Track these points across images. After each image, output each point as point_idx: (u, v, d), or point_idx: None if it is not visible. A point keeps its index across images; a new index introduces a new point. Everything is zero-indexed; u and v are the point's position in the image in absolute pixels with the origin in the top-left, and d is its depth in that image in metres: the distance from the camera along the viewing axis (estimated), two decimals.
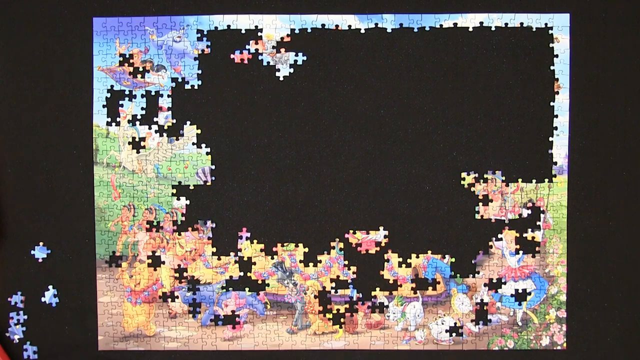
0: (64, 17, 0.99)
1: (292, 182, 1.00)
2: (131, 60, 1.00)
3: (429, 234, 1.01)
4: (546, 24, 0.99)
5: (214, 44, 1.00)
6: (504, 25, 0.99)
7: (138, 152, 1.00)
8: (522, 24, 0.99)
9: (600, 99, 0.99)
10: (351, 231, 1.00)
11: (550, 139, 1.00)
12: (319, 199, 1.00)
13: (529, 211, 1.00)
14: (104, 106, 1.00)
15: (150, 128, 1.00)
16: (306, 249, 1.01)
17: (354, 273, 1.01)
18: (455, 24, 0.99)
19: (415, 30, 0.99)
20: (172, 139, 1.00)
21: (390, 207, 1.00)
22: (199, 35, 1.00)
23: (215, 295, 1.01)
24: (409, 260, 1.01)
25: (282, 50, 1.00)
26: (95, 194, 1.00)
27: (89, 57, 1.00)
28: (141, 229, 1.01)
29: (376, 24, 0.99)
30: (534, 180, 1.00)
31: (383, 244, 1.00)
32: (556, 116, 1.00)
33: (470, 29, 0.99)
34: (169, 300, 1.01)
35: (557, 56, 0.99)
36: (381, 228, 1.00)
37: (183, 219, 1.00)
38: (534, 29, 0.99)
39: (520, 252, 1.01)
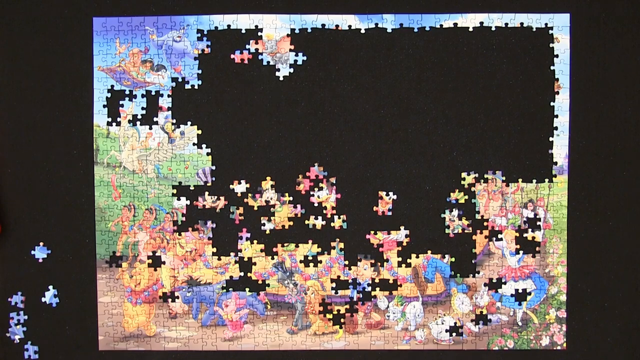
0: (64, 17, 0.99)
1: (292, 182, 1.00)
2: (131, 60, 1.00)
3: (429, 234, 1.01)
4: (546, 24, 0.99)
5: (214, 43, 1.00)
6: (504, 25, 0.99)
7: (139, 152, 1.00)
8: (522, 24, 0.99)
9: (600, 99, 0.99)
10: (372, 231, 1.00)
11: (551, 139, 1.00)
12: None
13: (529, 211, 1.00)
14: (104, 106, 1.00)
15: (151, 128, 1.00)
16: (306, 249, 1.01)
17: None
18: (455, 24, 0.99)
19: (415, 30, 0.99)
20: (173, 139, 1.00)
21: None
22: (199, 35, 1.00)
23: (216, 296, 1.01)
24: (408, 260, 1.01)
25: (282, 50, 1.00)
26: (96, 194, 1.00)
27: (89, 57, 1.00)
28: (141, 229, 1.01)
29: (376, 24, 0.99)
30: (534, 180, 1.00)
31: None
32: (556, 116, 1.00)
33: (470, 29, 0.99)
34: (169, 300, 1.01)
35: (557, 56, 0.99)
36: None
37: (183, 219, 1.00)
38: (534, 29, 0.99)
39: (520, 252, 1.01)
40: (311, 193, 1.00)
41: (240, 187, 1.00)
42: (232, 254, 1.01)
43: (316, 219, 1.00)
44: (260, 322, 1.02)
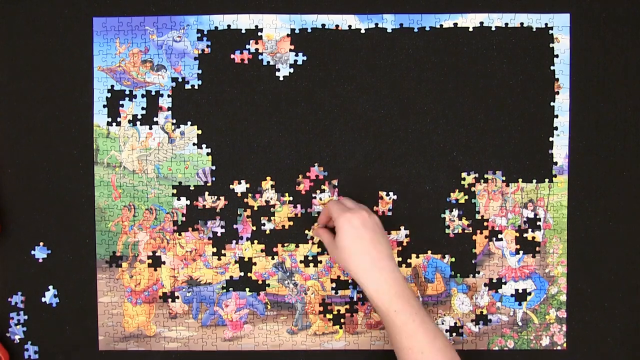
0: (64, 17, 0.99)
1: (292, 182, 1.00)
2: (131, 60, 1.00)
3: (429, 234, 1.01)
4: (546, 24, 0.99)
5: (214, 44, 1.00)
6: (504, 25, 0.99)
7: (139, 152, 1.00)
8: (522, 24, 0.99)
9: (600, 99, 1.00)
10: None
11: (551, 139, 1.00)
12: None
13: (529, 211, 1.00)
14: (104, 106, 1.00)
15: (151, 128, 1.00)
16: (306, 250, 1.01)
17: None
18: (455, 24, 0.99)
19: (415, 30, 0.99)
20: (173, 139, 1.00)
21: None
22: (199, 35, 1.00)
23: (216, 296, 1.01)
24: (409, 260, 1.01)
25: (282, 50, 1.00)
26: (96, 194, 1.00)
27: (89, 57, 1.00)
28: (141, 229, 1.01)
29: (376, 24, 0.99)
30: (534, 180, 1.00)
31: None
32: (556, 116, 1.00)
33: (470, 29, 0.99)
34: (169, 300, 1.01)
35: (557, 56, 0.99)
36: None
37: (183, 219, 1.00)
38: (534, 29, 0.99)
39: (520, 252, 1.01)
40: (313, 195, 1.00)
41: (240, 187, 1.00)
42: (232, 254, 1.01)
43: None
44: (260, 322, 1.02)
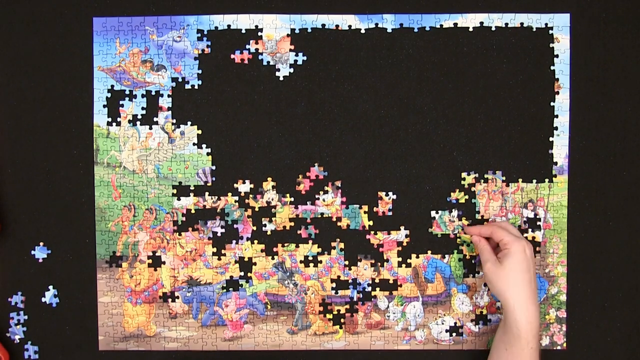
0: (64, 17, 0.99)
1: (292, 183, 1.00)
2: (131, 60, 1.00)
3: (428, 234, 1.01)
4: (546, 24, 0.99)
5: (214, 43, 1.00)
6: (504, 25, 0.99)
7: (139, 152, 1.00)
8: (522, 24, 0.99)
9: (600, 99, 1.00)
10: (372, 232, 1.00)
11: (551, 139, 1.00)
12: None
13: (529, 211, 1.00)
14: (104, 106, 1.00)
15: (151, 128, 1.00)
16: (306, 250, 1.01)
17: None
18: (455, 24, 0.99)
19: (415, 30, 0.99)
20: (173, 139, 1.00)
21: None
22: (199, 35, 1.00)
23: (216, 296, 1.01)
24: (409, 260, 1.01)
25: (282, 50, 1.00)
26: (96, 194, 1.00)
27: (89, 57, 1.00)
28: (141, 229, 1.01)
29: (376, 24, 0.99)
30: (534, 180, 1.00)
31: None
32: (556, 116, 1.00)
33: (470, 29, 0.99)
34: (169, 300, 1.01)
35: (557, 56, 0.99)
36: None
37: (183, 219, 1.00)
38: (534, 29, 0.99)
39: None
40: (316, 197, 1.00)
41: (244, 187, 1.00)
42: (232, 254, 1.01)
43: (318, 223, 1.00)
44: (260, 322, 1.02)
